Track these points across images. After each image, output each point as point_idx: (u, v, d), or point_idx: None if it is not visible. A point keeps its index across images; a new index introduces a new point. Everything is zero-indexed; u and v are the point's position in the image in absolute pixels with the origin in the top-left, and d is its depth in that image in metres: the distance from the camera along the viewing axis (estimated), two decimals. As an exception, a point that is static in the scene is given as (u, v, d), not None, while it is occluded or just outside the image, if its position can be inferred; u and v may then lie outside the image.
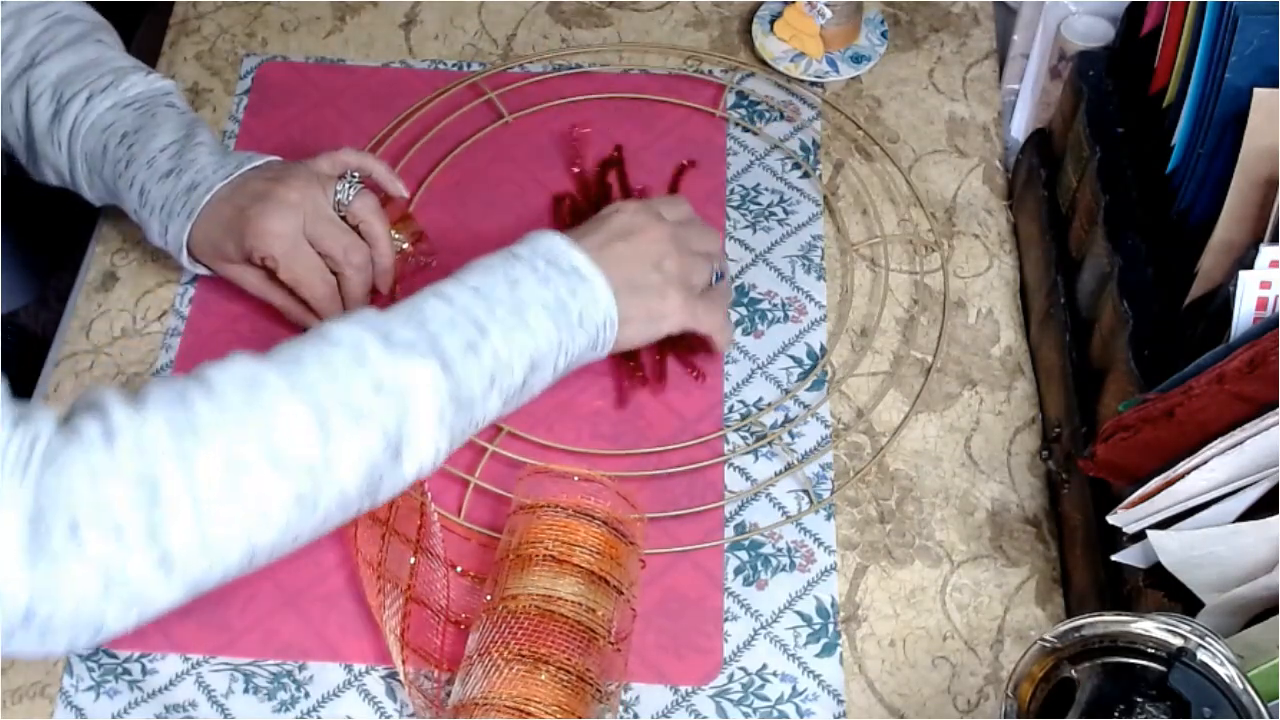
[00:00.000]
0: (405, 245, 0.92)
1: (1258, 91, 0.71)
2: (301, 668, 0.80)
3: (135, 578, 0.61)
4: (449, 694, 0.77)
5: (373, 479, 0.68)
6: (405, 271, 0.93)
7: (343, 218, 0.88)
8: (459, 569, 0.83)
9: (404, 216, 0.93)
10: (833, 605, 0.82)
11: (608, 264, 0.79)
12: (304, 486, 0.65)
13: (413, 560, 0.80)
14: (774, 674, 0.80)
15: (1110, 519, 0.72)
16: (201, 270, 0.90)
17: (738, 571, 0.84)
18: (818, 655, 0.81)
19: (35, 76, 0.88)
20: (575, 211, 0.98)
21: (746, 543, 0.85)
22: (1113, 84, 0.89)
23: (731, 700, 0.79)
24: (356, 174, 0.88)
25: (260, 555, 0.66)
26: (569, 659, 0.73)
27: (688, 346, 0.91)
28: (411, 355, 0.69)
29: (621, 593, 0.77)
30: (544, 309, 0.75)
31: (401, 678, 0.78)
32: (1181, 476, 0.68)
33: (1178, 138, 0.78)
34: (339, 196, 0.87)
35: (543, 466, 0.81)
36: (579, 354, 0.78)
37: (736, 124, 1.04)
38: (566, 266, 0.77)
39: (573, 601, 0.74)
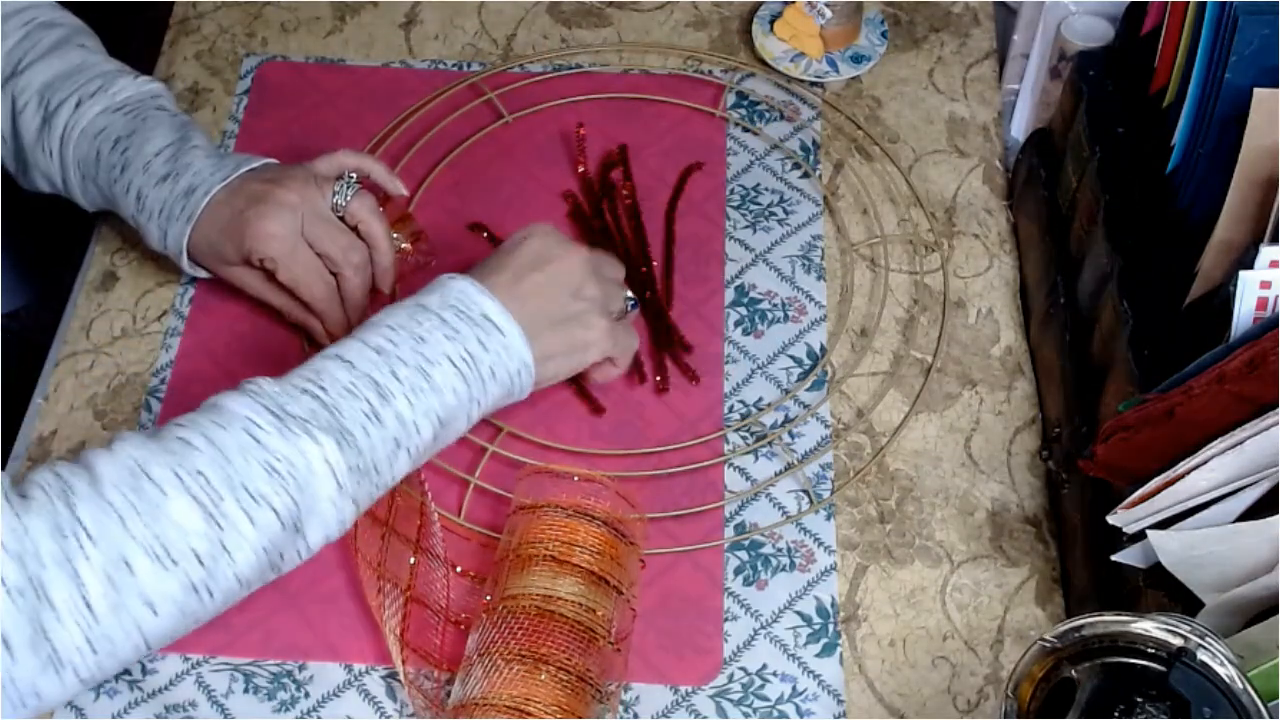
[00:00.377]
0: (404, 245, 0.92)
1: (1258, 91, 0.71)
2: (301, 668, 0.80)
3: (24, 680, 0.62)
4: (449, 694, 0.77)
5: (273, 556, 0.68)
6: (405, 271, 0.93)
7: (341, 219, 0.87)
8: (459, 569, 0.83)
9: (403, 216, 0.93)
10: (833, 605, 0.82)
11: (524, 299, 0.77)
12: (195, 575, 0.65)
13: (413, 560, 0.80)
14: (774, 674, 0.80)
15: (1110, 519, 0.72)
16: (201, 274, 0.90)
17: (738, 571, 0.84)
18: (818, 655, 0.81)
19: (20, 85, 0.88)
20: (579, 213, 0.98)
21: (746, 543, 0.85)
22: (1113, 84, 0.89)
23: (731, 700, 0.79)
24: (354, 175, 0.88)
25: (156, 643, 0.66)
26: (569, 659, 0.73)
27: (683, 348, 0.92)
28: (306, 432, 0.67)
29: (621, 593, 0.77)
30: (451, 366, 0.73)
31: (401, 678, 0.78)
32: (1181, 476, 0.68)
33: (1178, 138, 0.78)
34: (336, 198, 0.87)
35: (543, 466, 0.81)
36: (494, 403, 0.77)
37: (736, 124, 1.04)
38: (476, 315, 0.74)
39: (573, 601, 0.74)
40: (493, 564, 0.79)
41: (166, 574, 0.64)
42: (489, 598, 0.77)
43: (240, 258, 0.86)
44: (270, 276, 0.87)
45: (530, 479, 0.80)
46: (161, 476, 0.64)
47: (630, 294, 0.86)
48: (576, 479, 0.79)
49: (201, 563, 0.65)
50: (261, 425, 0.67)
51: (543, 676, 0.72)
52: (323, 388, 0.69)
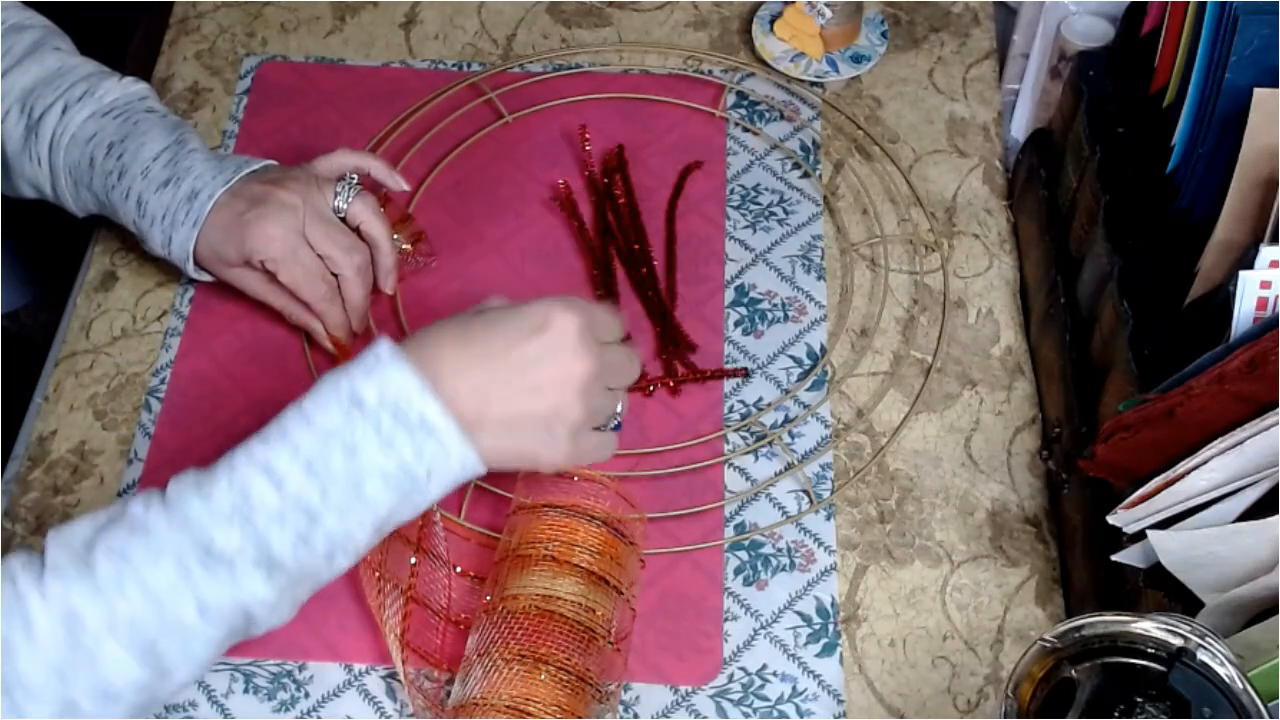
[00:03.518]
0: (405, 246, 0.92)
1: (1258, 91, 0.71)
2: (301, 668, 0.80)
3: None
4: (448, 694, 0.77)
5: (214, 658, 0.68)
6: (405, 272, 0.93)
7: (343, 220, 0.87)
8: (458, 569, 0.83)
9: (404, 217, 0.93)
10: (833, 605, 0.82)
11: (486, 399, 0.69)
12: (142, 697, 0.66)
13: (413, 561, 0.80)
14: (774, 674, 0.80)
15: (1110, 519, 0.72)
16: (205, 277, 0.90)
17: (738, 571, 0.84)
18: (818, 655, 0.81)
19: None
20: (572, 216, 0.98)
21: (746, 543, 0.85)
22: (1113, 84, 0.89)
23: (731, 700, 0.79)
24: (355, 175, 0.88)
25: None
26: (569, 659, 0.73)
27: (689, 348, 0.92)
28: (235, 570, 0.66)
29: (621, 593, 0.77)
30: (384, 479, 0.67)
31: (401, 678, 0.78)
32: (1181, 476, 0.68)
33: (1178, 138, 0.78)
34: (338, 200, 0.87)
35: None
36: (442, 493, 0.70)
37: (736, 124, 1.04)
38: (415, 420, 0.67)
39: (572, 601, 0.74)
40: (492, 564, 0.79)
41: (112, 704, 0.65)
42: (489, 598, 0.77)
43: (241, 259, 0.86)
44: (271, 278, 0.87)
45: (530, 479, 0.80)
46: (95, 625, 0.64)
47: (621, 409, 0.77)
48: (576, 479, 0.79)
49: (146, 689, 0.66)
50: (190, 565, 0.65)
51: (542, 676, 0.72)
52: (249, 515, 0.66)
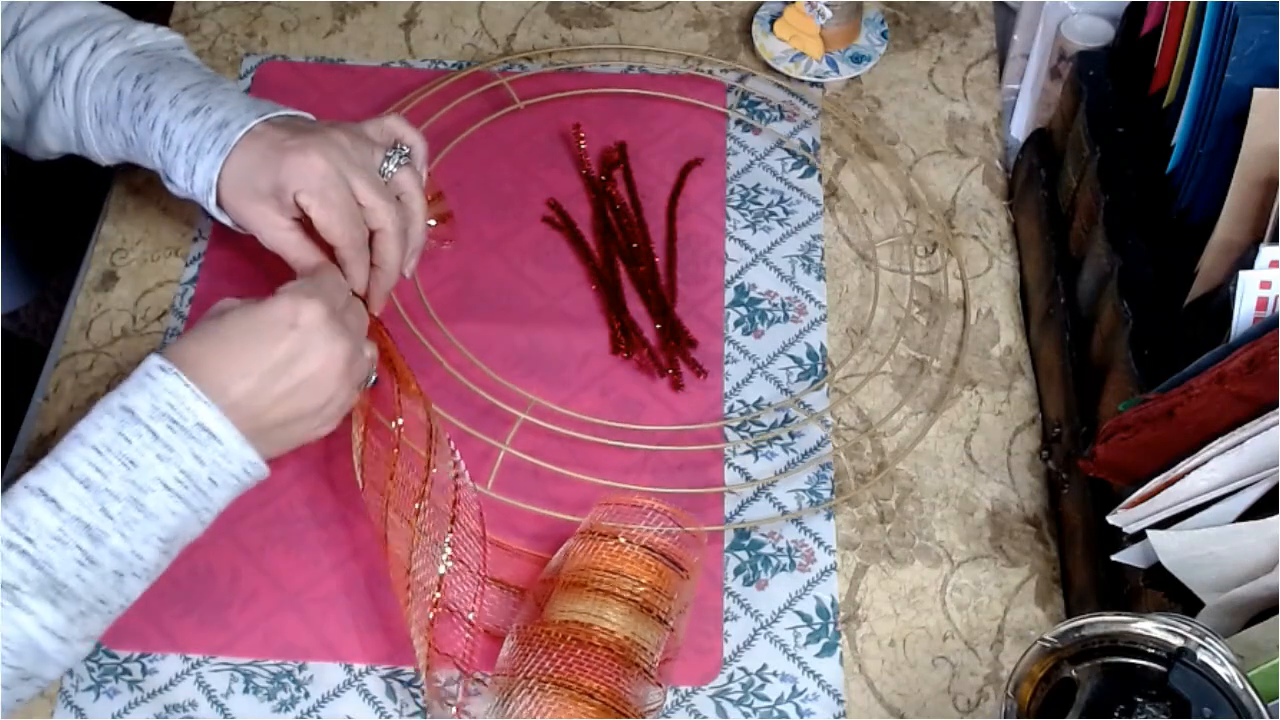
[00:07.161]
0: (432, 224, 0.91)
1: (1258, 91, 0.71)
2: (301, 668, 0.80)
3: None
4: (451, 692, 0.76)
5: (9, 701, 0.65)
6: (425, 251, 0.92)
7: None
8: (481, 571, 0.82)
9: (435, 195, 0.92)
10: (833, 605, 0.82)
11: (258, 408, 0.69)
12: None
13: (443, 569, 0.79)
14: (774, 674, 0.80)
15: (1110, 519, 0.72)
16: (224, 219, 0.83)
17: (738, 571, 0.84)
18: (818, 655, 0.81)
19: (23, 42, 0.83)
20: (566, 222, 0.98)
21: (746, 543, 0.85)
22: (1113, 84, 0.89)
23: (731, 700, 0.79)
24: (406, 147, 0.84)
25: None
26: (615, 694, 0.72)
27: (690, 344, 0.92)
28: (15, 603, 0.63)
29: (668, 623, 0.76)
30: (167, 490, 0.67)
31: (420, 671, 0.76)
32: (1181, 476, 0.68)
33: (1178, 138, 0.78)
34: (386, 164, 0.83)
35: (612, 489, 0.79)
36: (226, 502, 0.71)
37: (737, 123, 1.04)
38: (191, 425, 0.67)
39: (624, 635, 0.73)
40: (541, 581, 0.78)
41: None
42: (549, 628, 0.75)
43: (274, 189, 0.79)
44: (295, 224, 0.80)
45: (598, 507, 0.78)
46: None
47: (371, 355, 0.78)
48: (645, 508, 0.77)
49: None
50: None
51: (586, 708, 0.71)
52: (29, 539, 0.64)
